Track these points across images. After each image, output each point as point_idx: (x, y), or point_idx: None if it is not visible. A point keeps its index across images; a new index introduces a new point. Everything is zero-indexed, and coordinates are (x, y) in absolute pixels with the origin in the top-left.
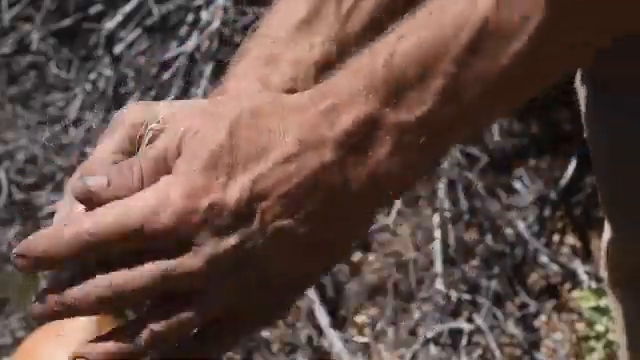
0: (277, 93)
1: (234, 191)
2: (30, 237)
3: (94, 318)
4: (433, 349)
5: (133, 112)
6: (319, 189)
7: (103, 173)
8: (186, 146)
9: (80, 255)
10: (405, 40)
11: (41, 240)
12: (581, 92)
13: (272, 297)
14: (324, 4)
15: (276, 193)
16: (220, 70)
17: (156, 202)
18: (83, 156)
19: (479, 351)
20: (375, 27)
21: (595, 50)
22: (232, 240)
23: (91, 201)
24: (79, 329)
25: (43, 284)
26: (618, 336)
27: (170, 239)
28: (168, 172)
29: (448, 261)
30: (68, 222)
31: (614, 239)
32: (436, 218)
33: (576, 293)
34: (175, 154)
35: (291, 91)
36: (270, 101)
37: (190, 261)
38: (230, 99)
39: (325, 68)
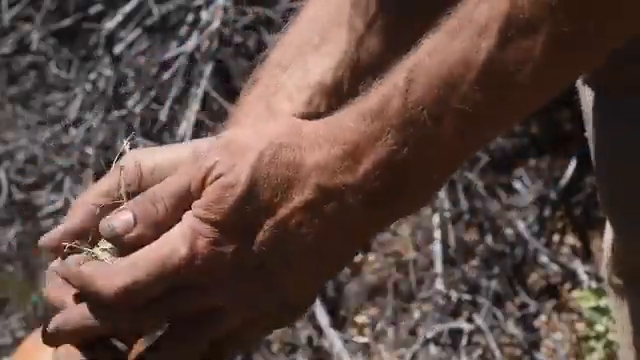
0: (293, 124)
1: (257, 239)
2: (63, 315)
3: None
4: (433, 349)
5: (131, 157)
6: (340, 229)
7: (128, 209)
8: (210, 187)
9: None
10: (415, 83)
11: (74, 318)
12: (583, 92)
13: (287, 312)
14: (336, 29)
15: (298, 238)
16: (220, 70)
17: (186, 251)
18: (83, 156)
19: (479, 351)
20: (387, 52)
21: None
22: (253, 281)
23: (121, 242)
24: None
25: (43, 284)
26: (618, 336)
27: (198, 281)
28: (190, 204)
29: (448, 261)
30: (102, 283)
31: (615, 239)
32: (436, 218)
33: (576, 293)
34: (199, 188)
35: (304, 118)
36: (287, 140)
37: (215, 297)
38: (250, 136)
39: (337, 93)
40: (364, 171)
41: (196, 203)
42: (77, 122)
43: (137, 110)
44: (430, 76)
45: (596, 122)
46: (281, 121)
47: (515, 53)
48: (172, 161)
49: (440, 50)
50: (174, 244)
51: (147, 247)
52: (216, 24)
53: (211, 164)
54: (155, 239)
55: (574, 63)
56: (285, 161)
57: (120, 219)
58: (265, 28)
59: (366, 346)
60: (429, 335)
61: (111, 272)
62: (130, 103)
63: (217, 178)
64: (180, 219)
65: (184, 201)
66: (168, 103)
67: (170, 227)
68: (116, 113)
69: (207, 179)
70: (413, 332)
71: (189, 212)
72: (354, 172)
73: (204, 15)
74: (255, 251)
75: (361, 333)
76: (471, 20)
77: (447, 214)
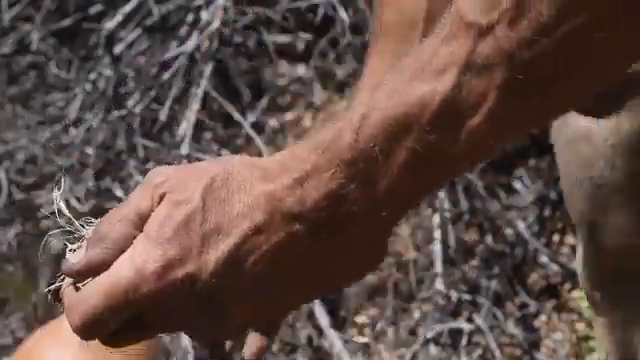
0: (247, 156)
1: (209, 263)
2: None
3: None
4: (433, 349)
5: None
6: (290, 258)
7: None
8: (160, 205)
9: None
10: (369, 119)
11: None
12: None
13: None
14: None
15: (247, 263)
16: (220, 70)
17: (134, 275)
18: (83, 156)
19: (479, 351)
20: None
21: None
22: (206, 315)
23: (77, 272)
24: None
25: (43, 284)
26: (598, 342)
27: (151, 303)
28: (139, 216)
29: (448, 261)
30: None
31: (588, 247)
32: (436, 218)
33: (576, 293)
34: (149, 204)
35: None
36: (240, 167)
37: (171, 328)
38: (203, 163)
39: None
40: (312, 202)
41: (147, 224)
42: (77, 122)
43: (137, 110)
44: (385, 115)
45: (555, 137)
46: (236, 155)
47: (469, 97)
48: None
49: (398, 91)
50: (122, 270)
51: (98, 278)
52: (216, 24)
53: (162, 179)
54: (111, 254)
55: (532, 109)
56: (237, 187)
57: (75, 255)
58: (265, 28)
59: (366, 346)
60: (429, 335)
61: (70, 304)
62: (130, 103)
63: (166, 194)
64: (132, 226)
65: (138, 220)
66: (168, 103)
67: (124, 235)
68: (116, 113)
69: (156, 194)
70: (413, 332)
71: (141, 235)
72: (302, 202)
73: (204, 15)
74: (205, 280)
75: (361, 333)
76: (431, 62)
77: (447, 214)
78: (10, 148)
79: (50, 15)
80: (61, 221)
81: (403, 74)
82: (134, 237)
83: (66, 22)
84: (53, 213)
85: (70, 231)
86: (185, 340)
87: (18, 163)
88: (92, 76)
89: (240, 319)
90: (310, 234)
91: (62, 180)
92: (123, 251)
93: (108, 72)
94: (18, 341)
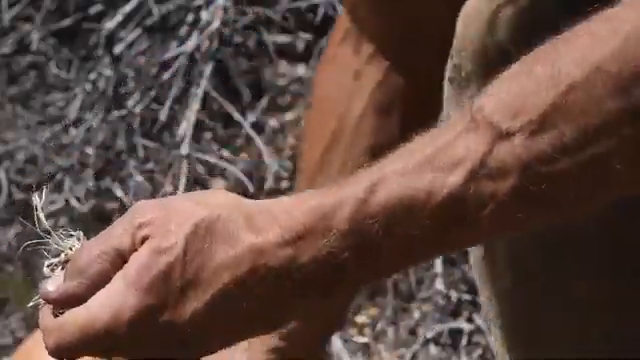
0: (234, 198)
1: (186, 314)
2: None
3: None
4: (433, 349)
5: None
6: (269, 309)
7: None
8: (142, 249)
9: None
10: (375, 195)
11: None
12: None
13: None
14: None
15: (226, 316)
16: (220, 70)
17: (109, 320)
18: (83, 156)
19: (479, 351)
20: None
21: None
22: (175, 351)
23: (53, 301)
24: None
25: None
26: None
27: (125, 344)
28: (119, 254)
29: (448, 261)
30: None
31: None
32: None
33: None
34: (129, 244)
35: None
36: (227, 213)
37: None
38: (188, 205)
39: None
40: (300, 263)
41: (127, 266)
42: (77, 122)
43: (137, 110)
44: (391, 195)
45: None
46: (222, 194)
47: (477, 196)
48: None
49: (408, 173)
50: (98, 310)
51: (78, 308)
52: (216, 24)
53: (145, 220)
54: (87, 286)
55: (539, 216)
56: (221, 237)
57: (51, 282)
58: (265, 28)
59: (366, 346)
60: (429, 335)
61: (47, 329)
62: (130, 103)
63: (147, 238)
64: (108, 264)
65: (117, 258)
66: (168, 103)
67: (102, 272)
68: (116, 113)
69: (137, 235)
70: (413, 332)
71: (119, 274)
72: (289, 261)
73: (204, 15)
74: (181, 329)
75: (361, 333)
76: (445, 152)
77: None
78: (10, 148)
79: (50, 15)
80: (41, 233)
81: (414, 156)
82: (112, 274)
83: (66, 22)
84: (53, 213)
85: (49, 243)
86: None
87: (18, 163)
88: (92, 76)
89: (213, 349)
90: (294, 291)
91: (43, 190)
92: (99, 287)
93: (108, 72)
94: (18, 341)
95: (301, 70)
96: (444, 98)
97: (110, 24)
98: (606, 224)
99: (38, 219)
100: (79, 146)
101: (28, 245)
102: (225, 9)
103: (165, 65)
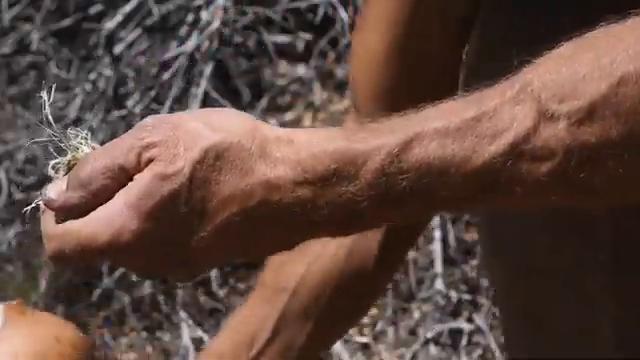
0: (253, 124)
1: (188, 243)
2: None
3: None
4: (433, 349)
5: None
6: (276, 234)
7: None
8: (146, 172)
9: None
10: (409, 152)
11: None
12: None
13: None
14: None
15: (227, 241)
16: (220, 70)
17: (109, 239)
18: None
19: (479, 351)
20: None
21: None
22: (172, 268)
23: (53, 206)
24: None
25: (43, 284)
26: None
27: (121, 262)
28: (122, 171)
29: (448, 261)
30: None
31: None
32: (436, 218)
33: None
34: (135, 160)
35: None
36: (242, 142)
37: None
38: (201, 127)
39: None
40: (317, 205)
41: (130, 187)
42: (77, 122)
43: (137, 110)
44: (427, 155)
45: None
46: (238, 117)
47: (514, 169)
48: None
49: (450, 135)
50: (99, 229)
51: (79, 221)
52: (216, 24)
53: (152, 140)
54: (88, 199)
55: (572, 201)
56: (231, 167)
57: (54, 184)
58: (265, 28)
59: (366, 346)
60: (429, 335)
61: (48, 235)
62: (130, 103)
63: (153, 160)
64: (111, 180)
65: (121, 175)
66: (168, 103)
67: (105, 187)
68: (116, 113)
69: (143, 155)
70: (413, 332)
71: (122, 192)
72: (306, 201)
73: (204, 15)
74: (181, 256)
75: (361, 333)
76: (490, 120)
77: (447, 214)
78: (10, 148)
79: (50, 15)
80: (48, 131)
81: (456, 115)
82: (115, 191)
83: (66, 22)
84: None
85: (56, 143)
86: (185, 340)
87: (18, 163)
88: (92, 76)
89: (209, 267)
90: (305, 226)
91: (52, 89)
92: (101, 202)
93: (108, 72)
94: None
95: (301, 70)
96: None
97: (110, 24)
98: (616, 215)
99: (46, 117)
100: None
101: (34, 143)
102: (225, 9)
103: (165, 65)
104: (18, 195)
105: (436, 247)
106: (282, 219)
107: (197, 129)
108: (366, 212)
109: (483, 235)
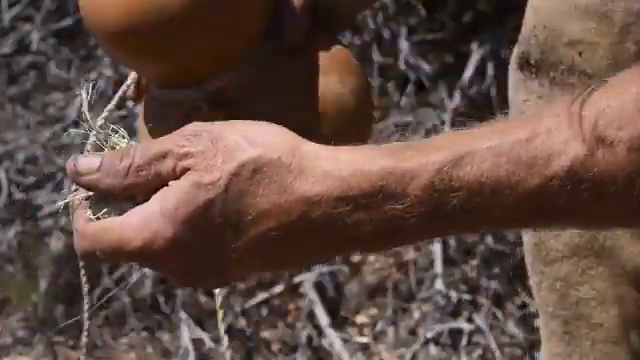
0: (294, 142)
1: (222, 255)
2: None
3: None
4: (433, 349)
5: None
6: (312, 252)
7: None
8: (183, 180)
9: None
10: (460, 168)
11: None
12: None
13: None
14: None
15: (259, 255)
16: None
17: (141, 246)
18: None
19: (479, 351)
20: None
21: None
22: (203, 275)
23: (78, 180)
24: None
25: (43, 284)
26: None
27: (151, 267)
28: (157, 175)
29: (448, 261)
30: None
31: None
32: None
33: None
34: (170, 169)
35: None
36: (282, 159)
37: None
38: (240, 141)
39: None
40: (358, 221)
41: (166, 193)
42: (77, 122)
43: (137, 110)
44: (480, 173)
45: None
46: (279, 134)
47: (572, 196)
48: None
49: (504, 154)
50: (132, 234)
51: (112, 222)
52: None
53: (190, 150)
54: (117, 190)
55: (627, 222)
56: (268, 181)
57: (87, 160)
58: None
59: (366, 346)
60: (429, 335)
61: (79, 233)
62: (130, 103)
63: (189, 169)
64: (144, 179)
65: (156, 180)
66: None
67: (137, 185)
68: (116, 113)
69: (180, 163)
70: (413, 332)
71: (158, 197)
72: (346, 217)
73: None
74: (214, 266)
75: (361, 333)
76: (544, 141)
77: None
78: (10, 148)
79: (50, 15)
80: (85, 125)
81: (508, 136)
82: (144, 191)
83: (66, 22)
84: (53, 213)
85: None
86: (185, 340)
87: (18, 163)
88: (92, 76)
89: (241, 278)
90: (348, 243)
91: (90, 86)
92: (127, 198)
93: (108, 72)
94: (18, 341)
95: None
96: (509, 82)
97: None
98: None
99: (85, 115)
100: (79, 146)
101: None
102: None
103: None
104: (18, 195)
105: (436, 247)
106: (322, 234)
107: (236, 142)
108: (413, 228)
109: None
